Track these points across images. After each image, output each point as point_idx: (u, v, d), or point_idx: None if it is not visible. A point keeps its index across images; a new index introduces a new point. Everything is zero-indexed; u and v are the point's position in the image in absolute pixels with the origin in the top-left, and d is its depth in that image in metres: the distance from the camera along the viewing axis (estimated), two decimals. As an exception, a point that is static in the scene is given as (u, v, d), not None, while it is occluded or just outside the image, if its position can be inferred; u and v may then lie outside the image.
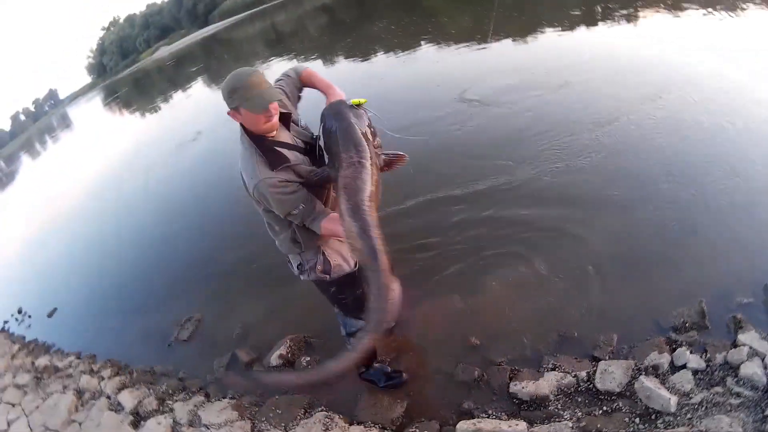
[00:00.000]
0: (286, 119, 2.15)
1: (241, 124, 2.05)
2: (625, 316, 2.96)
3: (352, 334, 2.71)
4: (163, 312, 4.94)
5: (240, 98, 1.91)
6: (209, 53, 32.22)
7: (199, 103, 17.12)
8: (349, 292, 2.53)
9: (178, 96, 21.41)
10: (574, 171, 4.48)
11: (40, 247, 10.01)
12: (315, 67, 11.59)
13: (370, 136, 1.98)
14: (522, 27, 9.75)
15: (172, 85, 24.63)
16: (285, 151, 2.06)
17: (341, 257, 2.39)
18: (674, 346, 2.66)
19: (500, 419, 2.57)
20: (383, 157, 2.04)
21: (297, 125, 2.22)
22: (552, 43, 8.47)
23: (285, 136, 2.12)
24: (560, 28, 9.04)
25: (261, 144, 2.03)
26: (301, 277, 2.44)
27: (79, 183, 13.75)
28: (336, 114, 1.97)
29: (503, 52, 8.84)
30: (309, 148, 2.19)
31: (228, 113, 2.01)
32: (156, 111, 20.46)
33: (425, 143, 5.41)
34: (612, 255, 3.44)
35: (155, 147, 13.39)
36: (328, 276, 2.38)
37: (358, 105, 2.02)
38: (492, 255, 3.81)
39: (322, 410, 3.06)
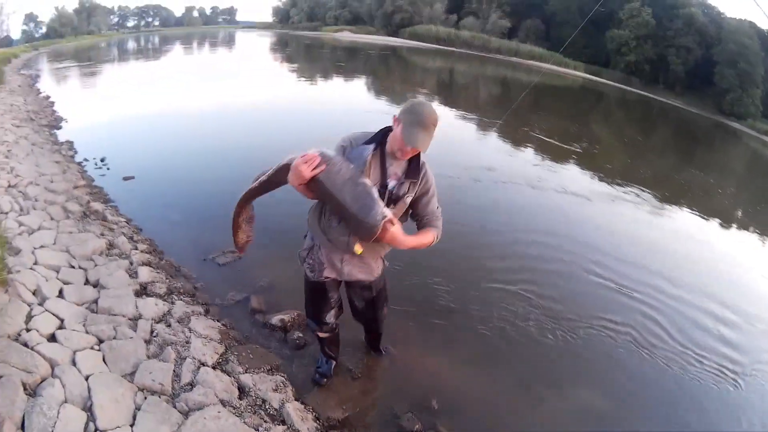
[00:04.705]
0: (410, 174, 2.62)
1: (391, 128, 2.57)
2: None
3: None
4: (218, 234, 5.47)
5: (406, 118, 2.41)
6: (384, 61, 34.34)
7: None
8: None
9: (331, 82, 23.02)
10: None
11: (157, 123, 11.44)
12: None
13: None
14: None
15: (337, 70, 26.50)
16: (377, 170, 2.59)
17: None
18: None
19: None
20: None
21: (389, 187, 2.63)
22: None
23: (393, 170, 2.61)
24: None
25: (383, 150, 2.60)
26: None
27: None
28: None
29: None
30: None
31: (394, 117, 2.52)
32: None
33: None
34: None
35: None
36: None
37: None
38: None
39: (283, 376, 3.59)
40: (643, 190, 10.03)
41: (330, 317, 3.27)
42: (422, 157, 2.63)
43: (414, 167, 2.61)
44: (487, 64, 40.38)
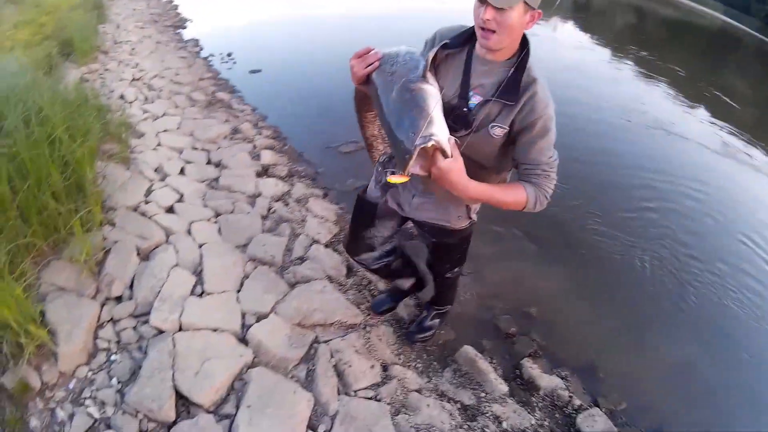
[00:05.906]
0: (505, 90, 1.67)
1: None
2: (659, 408, 2.98)
3: None
4: (342, 127, 5.47)
5: None
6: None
7: None
8: None
9: None
10: None
11: (286, 22, 11.36)
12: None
13: None
14: None
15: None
16: (456, 77, 1.76)
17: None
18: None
19: (495, 371, 2.84)
20: None
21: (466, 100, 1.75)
22: None
23: (479, 80, 1.72)
24: None
25: (471, 52, 1.75)
26: None
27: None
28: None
29: None
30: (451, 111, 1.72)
31: None
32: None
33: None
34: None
35: None
36: None
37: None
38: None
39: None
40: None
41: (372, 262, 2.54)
42: (534, 71, 1.64)
43: (512, 82, 1.63)
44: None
